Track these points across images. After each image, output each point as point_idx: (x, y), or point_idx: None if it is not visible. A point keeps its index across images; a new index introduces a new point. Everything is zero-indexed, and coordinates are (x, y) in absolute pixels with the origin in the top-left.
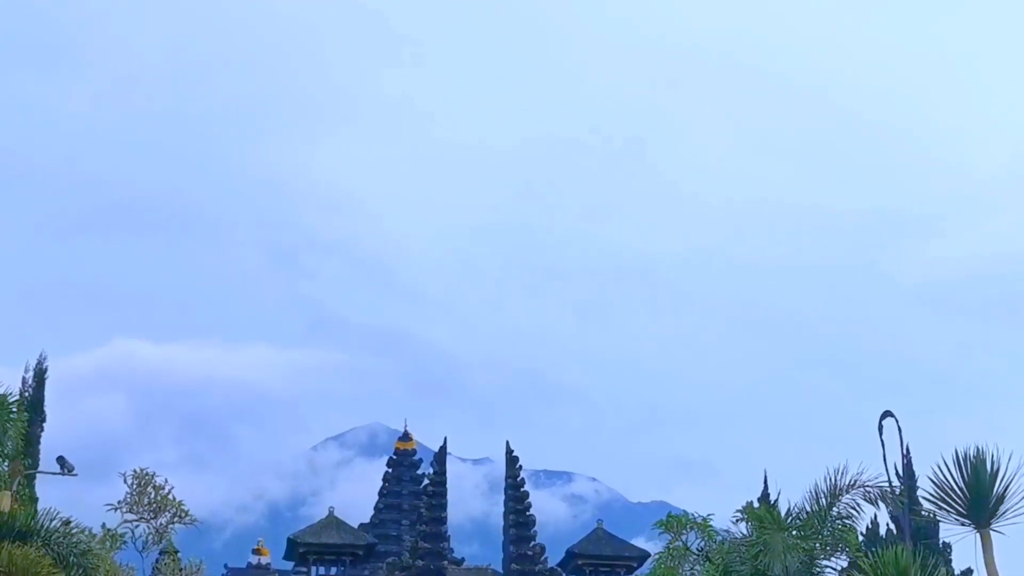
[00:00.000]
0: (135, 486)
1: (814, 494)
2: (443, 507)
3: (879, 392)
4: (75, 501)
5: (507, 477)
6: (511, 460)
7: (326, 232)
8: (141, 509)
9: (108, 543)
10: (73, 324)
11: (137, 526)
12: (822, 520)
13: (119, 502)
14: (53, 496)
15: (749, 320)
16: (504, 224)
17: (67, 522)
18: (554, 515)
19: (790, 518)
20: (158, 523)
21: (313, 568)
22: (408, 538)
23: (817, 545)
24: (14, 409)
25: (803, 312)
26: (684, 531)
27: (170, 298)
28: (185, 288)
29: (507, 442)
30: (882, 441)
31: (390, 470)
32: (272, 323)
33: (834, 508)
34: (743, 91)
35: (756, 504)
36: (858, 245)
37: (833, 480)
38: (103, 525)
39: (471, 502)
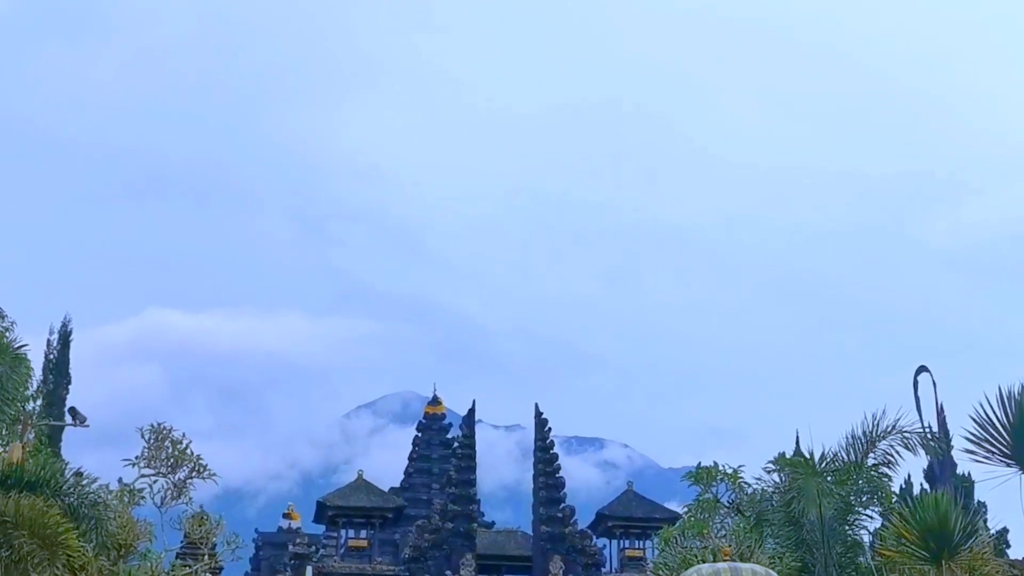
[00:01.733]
0: (152, 440)
1: (849, 440)
2: (472, 469)
3: (911, 356)
4: (108, 470)
5: (536, 439)
6: (540, 422)
7: (353, 200)
8: (158, 464)
9: (127, 498)
10: (105, 294)
11: (155, 481)
12: (858, 468)
13: (136, 457)
14: (84, 465)
15: (779, 284)
16: (532, 191)
17: (79, 473)
18: (586, 482)
19: (824, 462)
20: (176, 478)
21: (342, 531)
22: (438, 501)
23: (852, 496)
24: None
25: (833, 276)
26: (714, 483)
27: (201, 268)
28: (215, 257)
29: (536, 404)
30: (917, 397)
31: (419, 434)
32: (302, 292)
33: (871, 455)
34: (773, 55)
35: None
36: (889, 208)
37: (870, 425)
38: (119, 479)
39: (503, 469)
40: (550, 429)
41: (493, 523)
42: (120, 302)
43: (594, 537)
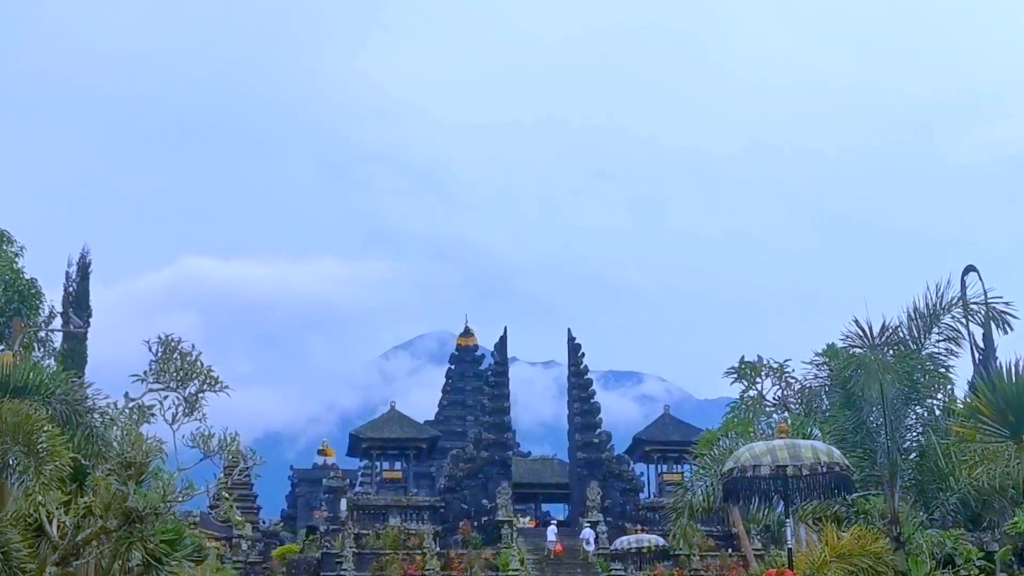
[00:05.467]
0: (160, 353)
1: (911, 315)
2: (506, 398)
3: (942, 276)
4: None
5: (570, 365)
6: (573, 348)
7: (377, 141)
8: (167, 378)
9: (137, 415)
10: (139, 244)
11: (165, 397)
12: (921, 342)
13: (144, 372)
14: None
15: (807, 209)
16: (556, 125)
17: (70, 377)
18: (624, 415)
19: (886, 334)
20: (187, 392)
21: (377, 463)
22: (472, 432)
23: (917, 373)
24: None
25: (862, 198)
26: (759, 378)
27: (231, 215)
28: (244, 204)
29: (568, 330)
30: (964, 299)
31: (452, 367)
32: (332, 236)
33: (934, 329)
34: None
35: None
36: (917, 128)
37: (933, 298)
38: (126, 394)
39: (540, 406)
40: (584, 355)
41: (529, 453)
42: (154, 251)
43: (631, 462)
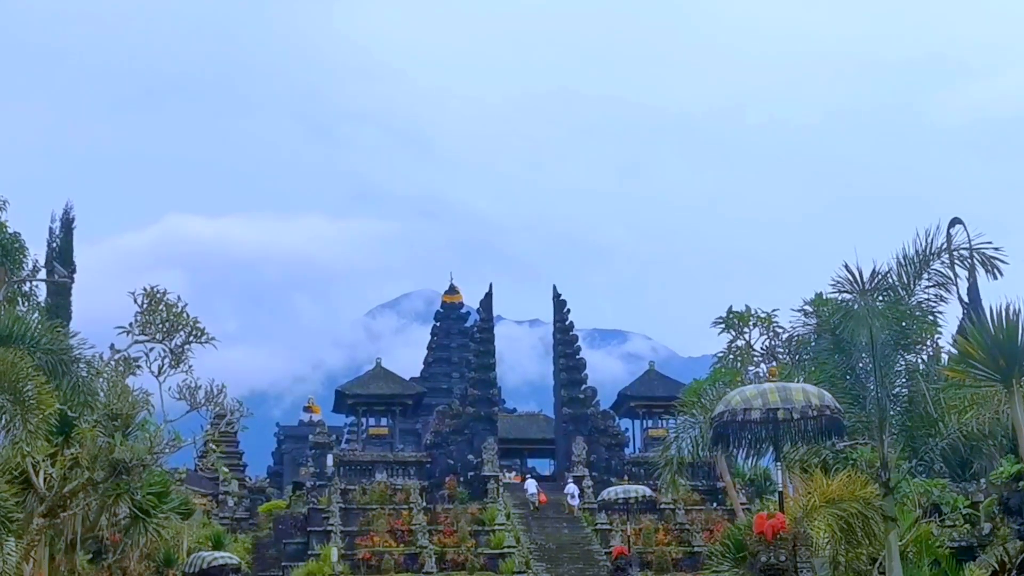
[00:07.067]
0: (145, 305)
1: (901, 261)
2: (491, 354)
3: (932, 224)
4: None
5: (555, 322)
6: (558, 304)
7: (360, 101)
8: (153, 329)
9: (123, 367)
10: (124, 203)
11: (151, 348)
12: (911, 289)
13: (130, 324)
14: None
15: (791, 168)
16: (540, 85)
17: (55, 327)
18: (610, 374)
19: (876, 279)
20: (173, 344)
21: (363, 420)
22: (458, 389)
23: (906, 321)
24: None
25: (846, 157)
26: (747, 328)
27: (216, 174)
28: (229, 163)
29: (554, 286)
30: (951, 250)
31: (438, 324)
32: (317, 195)
33: (924, 275)
34: None
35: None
36: (900, 88)
37: (922, 244)
38: (112, 346)
39: (526, 364)
40: (569, 311)
41: (515, 410)
42: (140, 210)
43: (616, 418)
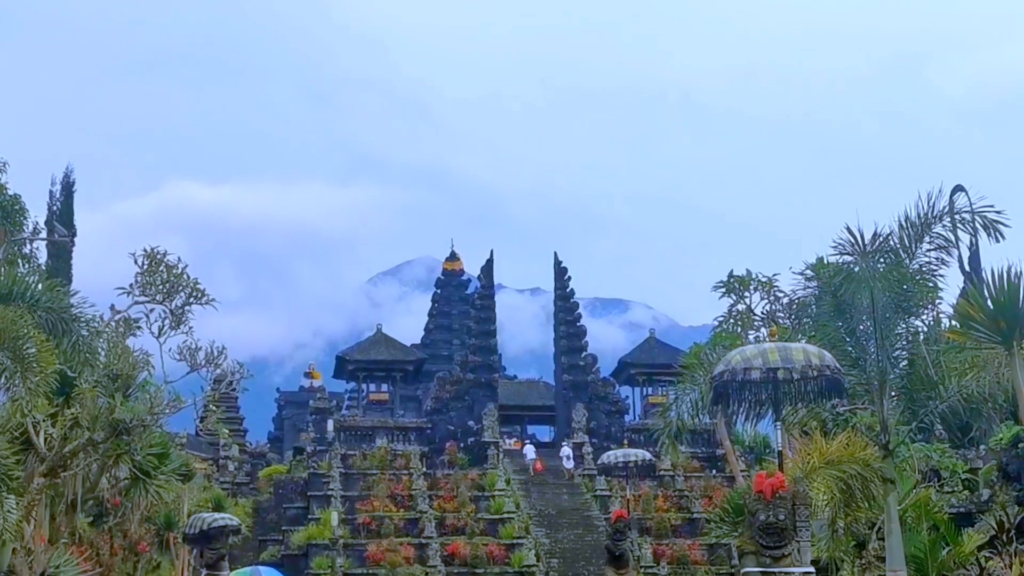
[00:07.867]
0: (145, 266)
1: (902, 224)
2: (492, 320)
3: (935, 187)
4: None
5: (556, 289)
6: (559, 271)
7: (361, 69)
8: (153, 291)
9: (123, 328)
10: (125, 170)
11: (152, 310)
12: (912, 252)
13: (130, 285)
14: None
15: (793, 138)
16: (542, 54)
17: (56, 286)
18: (611, 342)
19: (878, 241)
20: (173, 305)
21: (364, 386)
22: (458, 355)
23: (907, 284)
24: None
25: (849, 129)
26: (748, 292)
27: (217, 141)
28: (231, 131)
29: (555, 253)
30: (952, 218)
31: (439, 291)
32: (318, 162)
33: (926, 238)
34: None
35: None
36: (903, 59)
37: (925, 207)
38: (112, 307)
39: (527, 332)
40: (570, 278)
41: (515, 377)
42: (141, 176)
43: (617, 385)
